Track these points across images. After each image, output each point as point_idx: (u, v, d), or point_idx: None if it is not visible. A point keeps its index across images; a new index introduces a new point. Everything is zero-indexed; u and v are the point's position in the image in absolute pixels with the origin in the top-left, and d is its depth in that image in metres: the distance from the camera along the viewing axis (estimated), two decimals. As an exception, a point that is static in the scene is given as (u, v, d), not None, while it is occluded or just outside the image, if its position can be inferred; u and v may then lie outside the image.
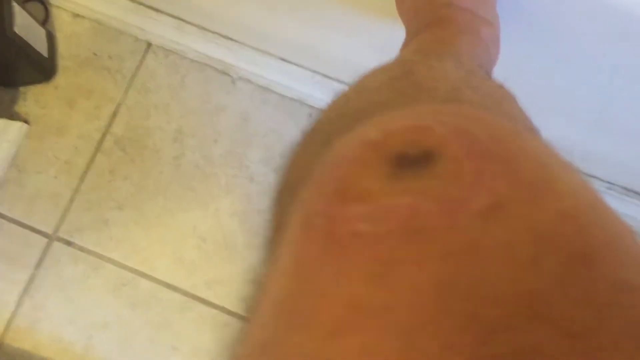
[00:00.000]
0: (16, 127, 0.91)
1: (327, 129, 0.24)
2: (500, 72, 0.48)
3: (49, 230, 0.89)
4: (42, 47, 0.89)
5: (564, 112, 0.76)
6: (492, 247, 0.13)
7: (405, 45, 0.48)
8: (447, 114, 0.16)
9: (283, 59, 0.88)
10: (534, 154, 0.15)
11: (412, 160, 0.15)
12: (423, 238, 0.13)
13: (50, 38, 0.92)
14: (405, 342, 0.12)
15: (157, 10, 0.90)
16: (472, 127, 0.15)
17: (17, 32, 0.81)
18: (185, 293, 0.87)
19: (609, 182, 0.83)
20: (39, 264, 0.89)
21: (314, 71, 0.87)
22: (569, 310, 0.12)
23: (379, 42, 0.73)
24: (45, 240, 0.89)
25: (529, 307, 0.12)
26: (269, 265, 0.19)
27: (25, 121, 0.92)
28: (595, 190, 0.16)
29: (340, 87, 0.84)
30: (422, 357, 0.12)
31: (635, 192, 0.82)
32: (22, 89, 0.93)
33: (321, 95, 0.88)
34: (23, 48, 0.83)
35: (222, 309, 0.86)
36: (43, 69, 0.90)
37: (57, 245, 0.89)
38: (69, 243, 0.89)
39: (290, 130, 0.90)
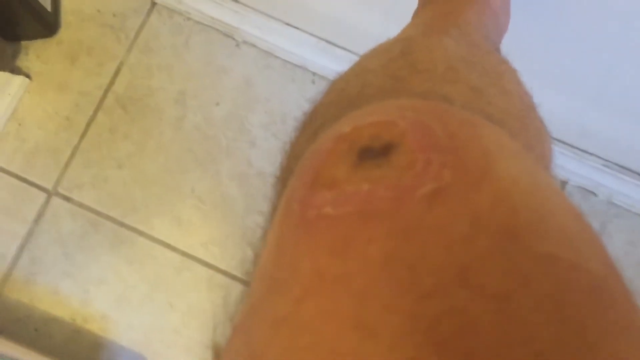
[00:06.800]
0: (17, 81, 0.91)
1: (322, 114, 0.26)
2: (505, 42, 0.49)
3: (48, 185, 0.90)
4: (45, 1, 0.88)
5: (564, 87, 0.77)
6: (433, 226, 0.15)
7: (416, 14, 0.48)
8: (412, 109, 0.18)
9: (288, 24, 0.87)
10: (481, 144, 0.17)
11: (376, 152, 0.17)
12: (375, 219, 0.16)
13: (54, -8, 0.92)
14: (357, 304, 0.15)
15: (163, -32, 0.90)
16: (430, 120, 0.17)
17: (21, -17, 0.80)
18: (182, 253, 0.88)
19: (605, 160, 0.84)
20: (37, 219, 0.89)
21: (319, 37, 0.87)
22: (495, 279, 0.14)
23: (385, 8, 0.73)
24: (44, 195, 0.90)
25: (460, 276, 0.14)
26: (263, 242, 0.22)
27: (27, 76, 0.92)
28: (536, 173, 0.18)
29: (344, 54, 0.84)
30: (369, 316, 0.14)
31: (631, 171, 0.83)
32: (24, 43, 0.93)
33: (325, 61, 0.88)
34: (27, 0, 0.83)
35: (218, 270, 0.88)
36: (46, 23, 0.90)
37: (56, 200, 0.89)
38: (68, 199, 0.89)
39: (292, 96, 0.90)
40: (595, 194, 0.85)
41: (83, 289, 0.87)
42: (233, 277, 0.87)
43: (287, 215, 0.18)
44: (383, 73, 0.26)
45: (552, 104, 0.80)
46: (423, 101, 0.20)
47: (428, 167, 0.16)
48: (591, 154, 0.84)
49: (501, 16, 0.46)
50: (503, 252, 0.15)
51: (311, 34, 0.87)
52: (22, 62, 0.93)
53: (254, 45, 0.91)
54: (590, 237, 0.17)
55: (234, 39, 0.91)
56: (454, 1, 0.42)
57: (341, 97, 0.26)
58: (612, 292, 0.15)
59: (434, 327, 0.14)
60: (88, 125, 0.91)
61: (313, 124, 0.26)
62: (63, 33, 0.93)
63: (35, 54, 0.93)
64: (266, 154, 0.89)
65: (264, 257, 0.19)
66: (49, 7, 0.89)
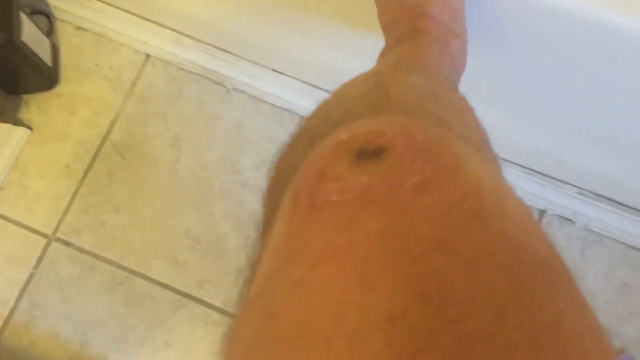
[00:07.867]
0: (19, 132, 0.95)
1: (312, 132, 0.30)
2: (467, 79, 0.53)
3: (48, 231, 0.93)
4: (46, 57, 0.93)
5: (540, 121, 0.81)
6: (419, 208, 0.19)
7: (384, 54, 0.53)
8: (397, 122, 0.23)
9: (275, 71, 0.93)
10: (453, 149, 0.22)
11: (370, 153, 0.21)
12: (373, 202, 0.20)
13: (54, 49, 0.97)
14: (360, 267, 0.19)
15: (156, 23, 0.95)
16: (412, 130, 0.22)
17: (24, 40, 0.85)
18: (178, 292, 0.90)
19: (580, 188, 0.87)
20: (38, 264, 0.92)
21: (304, 82, 0.92)
22: (466, 248, 0.19)
23: (364, 53, 0.78)
24: (44, 240, 0.93)
25: (440, 245, 0.19)
26: (264, 236, 0.25)
27: (28, 127, 0.96)
28: (497, 177, 0.23)
29: (328, 97, 0.88)
30: (370, 276, 0.18)
31: (606, 198, 0.87)
32: (25, 96, 0.98)
33: (310, 105, 0.92)
34: (29, 56, 0.88)
35: (214, 307, 0.90)
36: (47, 77, 0.95)
37: (55, 245, 0.93)
38: (67, 244, 0.93)
39: (281, 138, 0.94)
40: (572, 222, 0.89)
41: (82, 331, 0.90)
42: (228, 315, 0.90)
43: (295, 205, 0.22)
44: (362, 101, 0.31)
45: (528, 137, 0.84)
46: (405, 117, 0.24)
47: (414, 164, 0.20)
48: (567, 183, 0.87)
49: (459, 59, 0.51)
50: (472, 229, 0.19)
51: (296, 79, 0.92)
52: (24, 114, 0.97)
53: (243, 92, 0.96)
54: (536, 227, 0.21)
55: (224, 86, 0.96)
56: (417, 44, 0.47)
57: (326, 120, 0.31)
58: (555, 267, 0.20)
59: (420, 283, 0.18)
60: (86, 172, 0.95)
61: (302, 142, 0.30)
62: (63, 86, 0.98)
63: (37, 106, 0.97)
64: (258, 194, 0.93)
65: (274, 240, 0.23)
66: (49, 62, 0.94)
